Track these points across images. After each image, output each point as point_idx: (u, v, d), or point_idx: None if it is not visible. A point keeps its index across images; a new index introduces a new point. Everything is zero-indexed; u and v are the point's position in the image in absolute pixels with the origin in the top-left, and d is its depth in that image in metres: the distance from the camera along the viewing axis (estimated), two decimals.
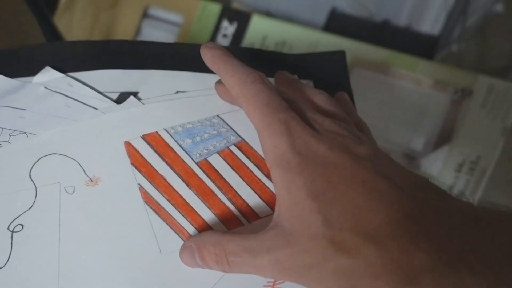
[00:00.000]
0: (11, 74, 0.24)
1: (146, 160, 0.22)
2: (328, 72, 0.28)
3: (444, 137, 0.40)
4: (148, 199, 0.21)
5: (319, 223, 0.16)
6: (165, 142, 0.22)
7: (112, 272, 0.20)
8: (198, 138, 0.23)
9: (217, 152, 0.23)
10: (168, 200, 0.21)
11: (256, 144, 0.23)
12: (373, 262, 0.16)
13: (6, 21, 0.33)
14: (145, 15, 0.46)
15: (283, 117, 0.19)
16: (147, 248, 0.21)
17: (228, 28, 0.44)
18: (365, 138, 0.20)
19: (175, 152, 0.22)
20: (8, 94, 0.24)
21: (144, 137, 0.22)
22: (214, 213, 0.21)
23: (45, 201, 0.21)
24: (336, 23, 0.44)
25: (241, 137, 0.23)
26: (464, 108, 0.40)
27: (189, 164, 0.22)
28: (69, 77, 0.24)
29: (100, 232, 0.21)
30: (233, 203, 0.21)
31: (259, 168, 0.22)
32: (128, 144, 0.22)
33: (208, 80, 0.24)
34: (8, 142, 0.22)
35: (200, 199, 0.21)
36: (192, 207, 0.21)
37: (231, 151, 0.23)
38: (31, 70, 0.24)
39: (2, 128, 0.23)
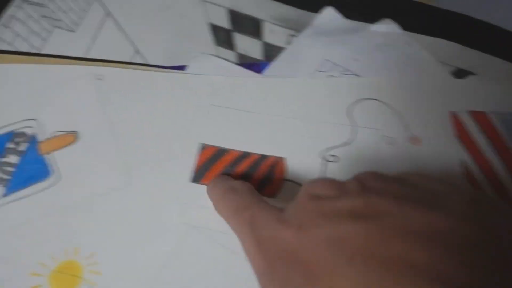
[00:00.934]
0: (348, 16, 0.24)
1: (472, 137, 0.21)
2: None
3: None
4: (470, 177, 0.20)
5: None
6: (493, 125, 0.21)
7: None
8: None
9: None
10: (490, 186, 0.20)
11: None
12: None
13: None
14: None
15: None
16: None
17: None
18: None
19: (502, 139, 0.21)
20: (344, 33, 0.24)
21: (471, 113, 0.21)
22: None
23: (362, 142, 0.21)
24: None
25: None
26: None
27: None
28: (406, 35, 0.23)
29: None
30: None
31: None
32: (453, 115, 0.21)
33: None
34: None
35: None
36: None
37: None
38: (368, 16, 0.24)
39: (337, 64, 0.23)
